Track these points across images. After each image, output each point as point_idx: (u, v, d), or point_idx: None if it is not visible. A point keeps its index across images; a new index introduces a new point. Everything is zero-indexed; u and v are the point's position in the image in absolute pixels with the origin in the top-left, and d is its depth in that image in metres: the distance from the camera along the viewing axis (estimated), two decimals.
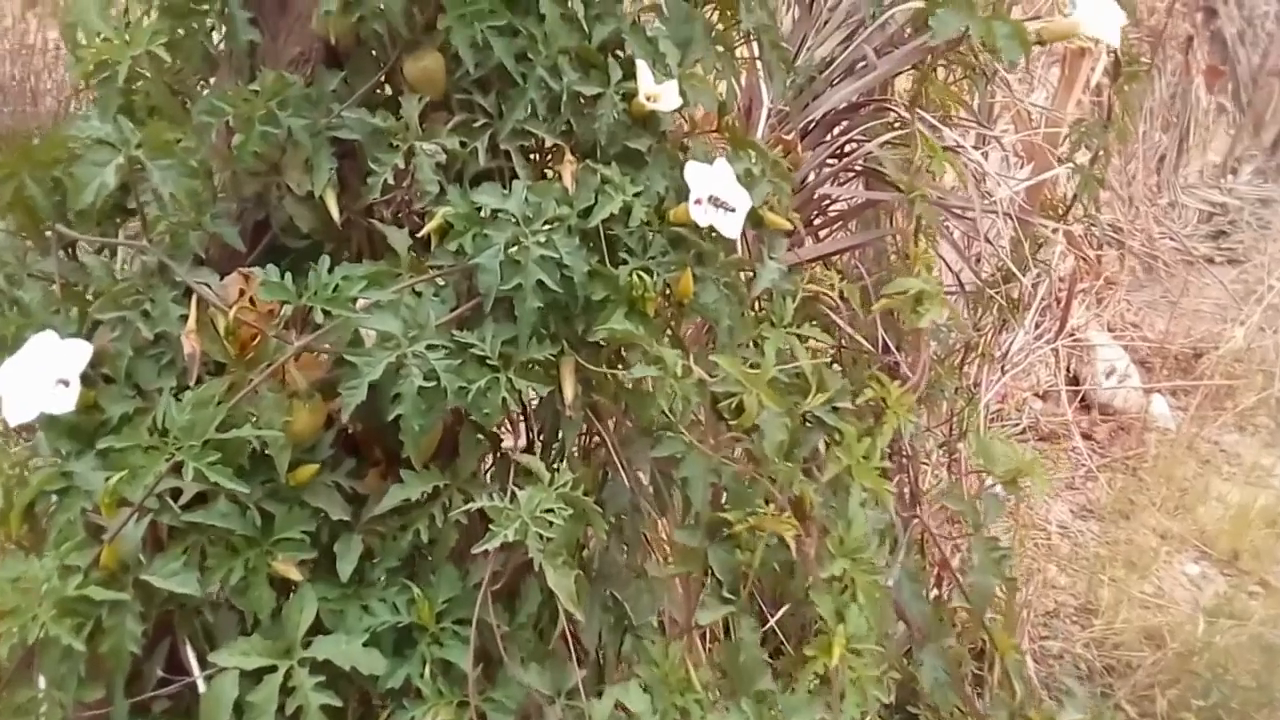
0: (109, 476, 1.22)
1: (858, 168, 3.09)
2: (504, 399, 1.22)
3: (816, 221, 3.10)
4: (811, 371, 1.28)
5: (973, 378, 3.56)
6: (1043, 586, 3.66)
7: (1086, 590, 3.71)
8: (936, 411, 3.00)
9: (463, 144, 1.32)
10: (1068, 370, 4.70)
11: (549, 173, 1.39)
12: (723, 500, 1.30)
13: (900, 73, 3.14)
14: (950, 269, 3.33)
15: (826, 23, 3.10)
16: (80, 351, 1.23)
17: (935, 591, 3.03)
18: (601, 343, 1.27)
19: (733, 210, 1.26)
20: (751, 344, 1.36)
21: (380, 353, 1.18)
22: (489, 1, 1.31)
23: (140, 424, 1.29)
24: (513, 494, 1.23)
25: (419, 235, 1.27)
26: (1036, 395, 4.68)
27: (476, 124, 1.34)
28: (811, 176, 2.93)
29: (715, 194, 1.26)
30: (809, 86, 2.89)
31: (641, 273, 1.25)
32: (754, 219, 1.39)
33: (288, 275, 1.21)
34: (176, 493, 1.28)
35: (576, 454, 1.40)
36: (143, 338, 1.31)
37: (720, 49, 1.60)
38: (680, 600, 1.38)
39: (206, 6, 1.39)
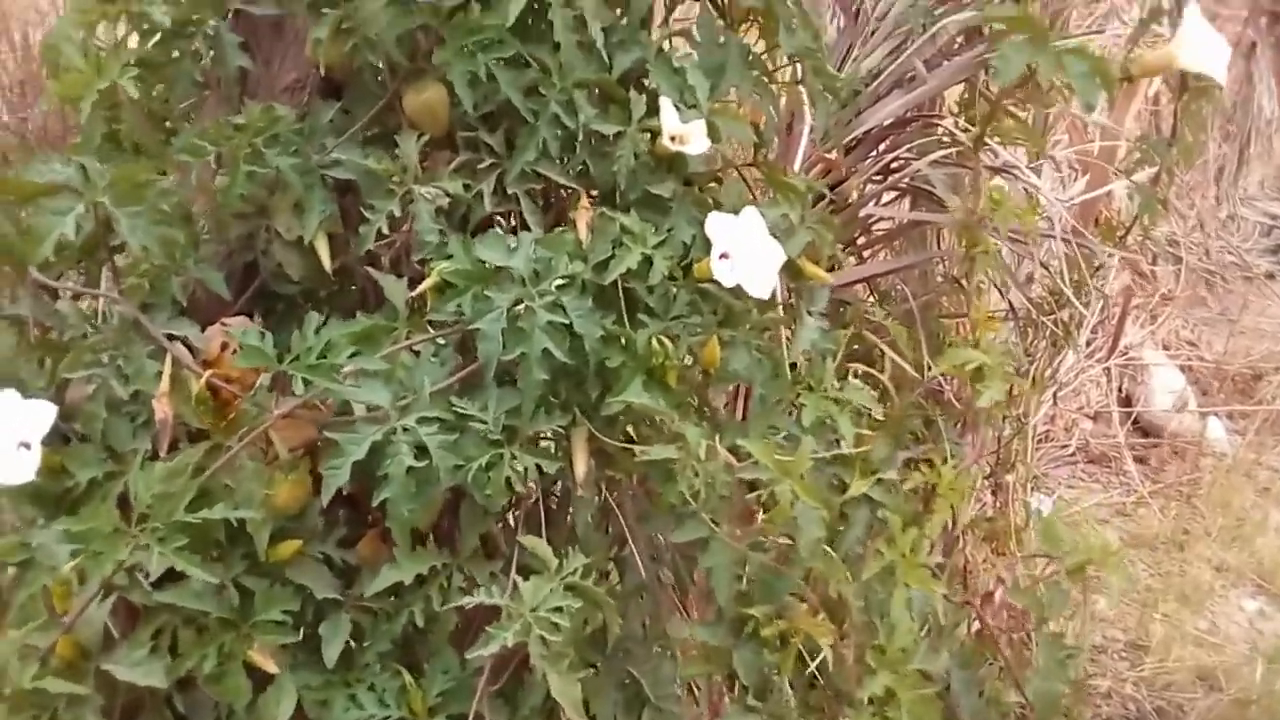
0: (74, 551, 1.10)
1: (903, 186, 2.94)
2: (508, 478, 1.09)
3: (859, 241, 2.95)
4: (854, 449, 1.14)
5: (1021, 404, 3.40)
6: (1091, 620, 3.49)
7: (1137, 625, 3.54)
8: (981, 437, 2.87)
9: (466, 187, 1.19)
10: (1120, 390, 4.51)
11: (561, 218, 1.25)
12: (748, 591, 1.16)
13: (951, 86, 2.97)
14: (1000, 291, 3.17)
15: (874, 33, 2.94)
16: (44, 414, 1.12)
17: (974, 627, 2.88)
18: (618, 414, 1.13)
19: (762, 265, 1.12)
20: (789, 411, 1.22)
21: (366, 427, 1.06)
22: (494, 30, 1.17)
23: (110, 491, 1.18)
24: (515, 585, 1.10)
25: (419, 288, 1.14)
26: (1087, 416, 4.49)
27: (482, 165, 1.21)
28: (855, 195, 2.78)
29: (742, 248, 1.12)
30: (854, 100, 2.73)
31: (663, 338, 1.11)
32: (791, 270, 1.25)
33: (268, 336, 1.09)
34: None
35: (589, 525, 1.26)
36: (117, 396, 1.19)
37: (757, 74, 1.46)
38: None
39: (193, 30, 1.27)
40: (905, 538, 1.08)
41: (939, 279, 3.15)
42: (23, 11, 6.66)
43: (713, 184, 1.32)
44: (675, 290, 1.17)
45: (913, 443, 2.17)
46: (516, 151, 1.20)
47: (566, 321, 1.07)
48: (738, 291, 1.14)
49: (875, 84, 2.88)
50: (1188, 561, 3.79)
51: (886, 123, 2.88)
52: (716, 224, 1.12)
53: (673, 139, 1.17)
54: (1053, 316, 3.00)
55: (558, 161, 1.21)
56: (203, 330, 1.27)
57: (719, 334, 1.16)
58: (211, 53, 1.28)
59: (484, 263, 1.10)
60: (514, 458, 1.10)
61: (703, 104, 1.23)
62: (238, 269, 1.31)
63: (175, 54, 1.27)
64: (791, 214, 1.26)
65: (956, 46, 3.08)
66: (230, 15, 1.29)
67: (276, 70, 1.33)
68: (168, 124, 1.35)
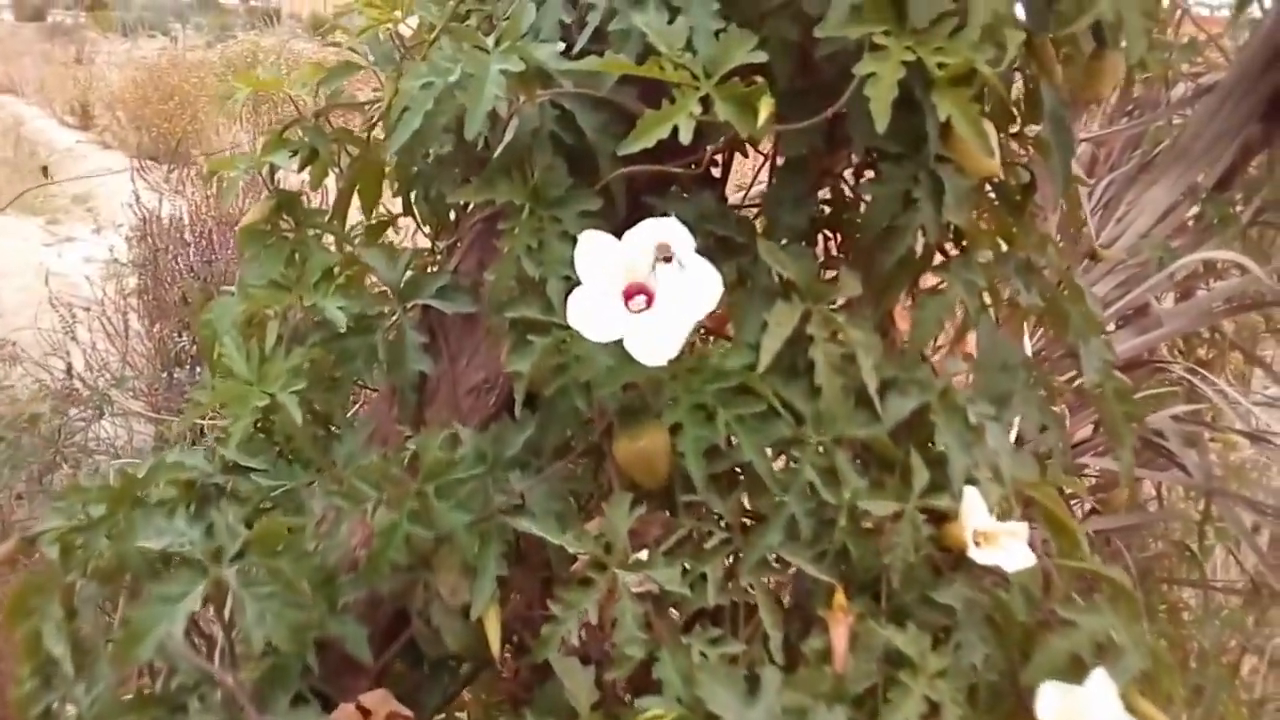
0: None
1: None
2: None
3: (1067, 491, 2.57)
4: None
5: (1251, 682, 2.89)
6: None
7: None
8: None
9: (686, 572, 0.90)
10: None
11: (803, 618, 0.95)
12: None
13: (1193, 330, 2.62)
14: (1240, 564, 2.72)
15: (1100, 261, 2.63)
16: None
17: None
18: None
19: None
20: None
21: None
22: (741, 374, 0.90)
23: None
24: None
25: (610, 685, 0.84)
26: None
27: (710, 542, 0.93)
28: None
29: None
30: None
31: None
32: None
33: None
34: None
35: None
36: None
37: (1042, 394, 1.16)
38: None
39: (372, 327, 1.05)
40: None
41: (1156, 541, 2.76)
42: (222, 150, 6.91)
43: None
44: None
45: None
46: (757, 531, 0.91)
47: None
48: None
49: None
50: None
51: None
52: (1050, 699, 0.79)
53: (978, 540, 0.86)
54: None
55: (808, 543, 0.91)
56: (333, 700, 1.01)
57: None
58: (389, 352, 1.06)
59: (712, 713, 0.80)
60: None
61: (1007, 480, 0.93)
62: (383, 620, 1.05)
63: (347, 351, 1.05)
64: (1117, 627, 0.92)
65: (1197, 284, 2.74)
66: (415, 309, 1.07)
67: (463, 368, 1.10)
68: (324, 420, 1.13)
